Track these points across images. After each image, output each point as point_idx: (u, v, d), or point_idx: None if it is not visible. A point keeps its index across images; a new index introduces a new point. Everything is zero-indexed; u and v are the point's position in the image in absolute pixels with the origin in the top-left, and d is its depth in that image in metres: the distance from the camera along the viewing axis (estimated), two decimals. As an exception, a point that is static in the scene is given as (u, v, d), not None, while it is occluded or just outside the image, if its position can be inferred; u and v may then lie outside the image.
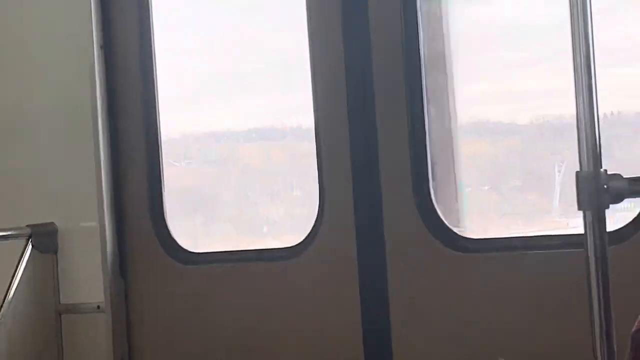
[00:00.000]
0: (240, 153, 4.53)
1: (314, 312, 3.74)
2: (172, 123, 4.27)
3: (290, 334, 3.80)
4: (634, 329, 2.11)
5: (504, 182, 3.87)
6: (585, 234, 2.18)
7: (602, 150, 2.19)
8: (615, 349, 2.14)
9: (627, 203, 2.37)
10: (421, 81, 3.54)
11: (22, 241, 4.21)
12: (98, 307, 4.14)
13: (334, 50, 3.67)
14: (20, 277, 4.17)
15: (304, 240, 3.77)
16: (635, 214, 3.15)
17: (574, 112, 2.20)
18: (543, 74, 3.58)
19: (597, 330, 2.16)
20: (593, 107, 2.19)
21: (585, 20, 2.20)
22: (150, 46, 4.13)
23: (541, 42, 3.54)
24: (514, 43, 3.65)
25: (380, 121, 3.59)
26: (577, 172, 2.20)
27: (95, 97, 4.12)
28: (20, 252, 4.20)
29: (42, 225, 4.25)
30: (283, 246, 3.87)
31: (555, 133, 3.64)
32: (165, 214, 4.11)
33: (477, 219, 3.85)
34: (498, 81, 3.74)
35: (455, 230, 3.50)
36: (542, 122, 3.72)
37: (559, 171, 3.63)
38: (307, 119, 3.79)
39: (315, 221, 3.73)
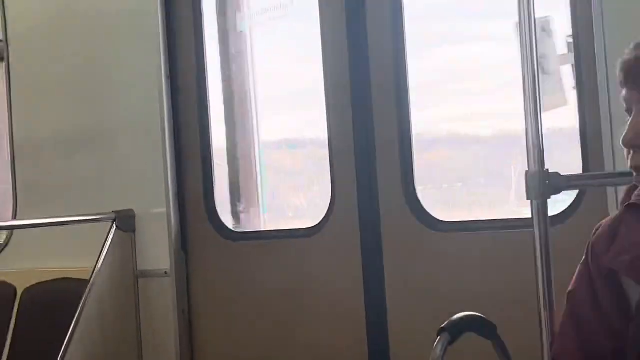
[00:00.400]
0: (273, 158, 4.51)
1: (326, 278, 3.70)
2: (221, 134, 4.24)
3: (306, 294, 3.77)
4: (569, 288, 2.08)
5: (473, 180, 3.84)
6: (532, 218, 2.16)
7: (544, 154, 2.17)
8: (556, 306, 2.12)
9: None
10: (408, 99, 3.49)
11: (109, 223, 4.17)
12: (165, 272, 4.11)
13: (343, 79, 3.63)
14: (107, 250, 4.13)
15: (319, 223, 3.73)
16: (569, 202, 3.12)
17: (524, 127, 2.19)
18: (501, 99, 3.55)
19: (541, 289, 2.14)
20: (538, 122, 2.17)
21: (532, 55, 2.17)
22: (205, 75, 4.11)
23: (498, 74, 3.51)
24: (477, 75, 3.61)
25: (377, 134, 3.55)
26: (525, 171, 2.18)
27: (164, 114, 4.11)
28: (107, 231, 4.16)
29: (123, 211, 4.21)
30: (304, 227, 3.84)
31: (511, 143, 3.61)
32: (215, 202, 4.09)
33: (453, 207, 3.80)
34: (467, 104, 3.71)
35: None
36: (501, 135, 3.69)
37: (515, 171, 3.60)
38: (322, 132, 3.75)
39: (328, 209, 3.69)
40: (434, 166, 3.84)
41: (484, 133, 3.77)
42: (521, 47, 2.17)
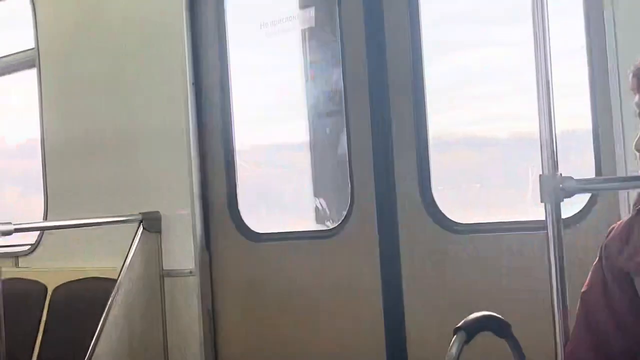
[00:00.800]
0: (294, 159, 4.49)
1: (345, 277, 3.69)
2: (243, 138, 4.24)
3: (326, 294, 3.76)
4: (583, 289, 2.06)
5: (491, 182, 3.79)
6: (546, 220, 2.14)
7: (558, 158, 2.14)
8: (569, 306, 2.09)
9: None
10: (425, 102, 3.47)
11: (136, 224, 4.19)
12: (190, 272, 4.12)
13: (361, 83, 3.61)
14: (134, 250, 4.15)
15: (338, 224, 3.72)
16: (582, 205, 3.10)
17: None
18: (518, 102, 3.51)
19: (555, 290, 2.11)
20: (552, 126, 2.15)
21: (546, 58, 2.15)
22: (228, 81, 4.12)
23: (514, 77, 3.48)
24: (494, 78, 3.58)
25: (394, 137, 3.54)
26: (540, 175, 2.16)
27: (188, 119, 4.12)
28: (134, 232, 4.17)
29: (150, 212, 4.22)
30: (324, 229, 3.83)
31: (527, 145, 3.57)
32: (238, 204, 4.09)
33: (471, 209, 3.76)
34: (484, 107, 3.68)
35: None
36: (518, 137, 3.65)
37: (531, 173, 3.57)
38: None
39: (347, 210, 3.68)
40: (452, 168, 3.80)
41: (501, 135, 3.74)
42: (535, 51, 2.15)
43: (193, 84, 4.13)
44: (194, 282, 4.09)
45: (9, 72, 5.15)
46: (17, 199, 5.61)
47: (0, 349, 3.56)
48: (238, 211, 4.08)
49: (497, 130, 3.72)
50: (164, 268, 4.22)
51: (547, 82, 2.14)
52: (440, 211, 3.41)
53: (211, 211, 4.13)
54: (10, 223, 3.59)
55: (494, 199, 3.77)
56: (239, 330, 4.08)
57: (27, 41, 4.96)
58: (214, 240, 4.12)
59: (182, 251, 4.15)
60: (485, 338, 2.18)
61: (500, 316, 2.22)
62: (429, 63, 3.48)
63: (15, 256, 4.94)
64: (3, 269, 3.62)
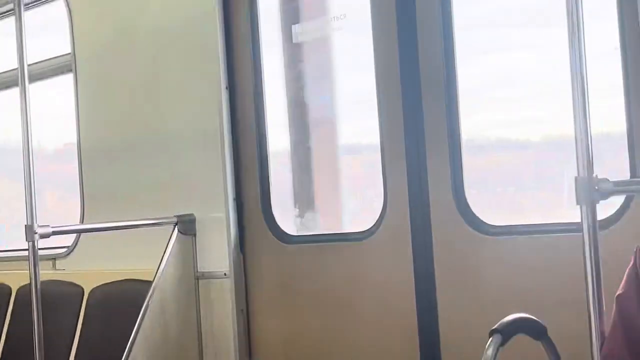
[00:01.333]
0: (330, 162, 4.48)
1: (378, 280, 3.69)
2: (276, 140, 4.26)
3: (359, 296, 3.76)
4: (618, 291, 2.05)
5: (525, 184, 3.77)
6: (581, 222, 2.14)
7: (594, 160, 2.14)
8: (605, 309, 2.09)
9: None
10: (457, 105, 3.46)
11: (170, 227, 4.22)
12: (224, 274, 4.14)
13: (394, 85, 3.62)
14: (169, 252, 4.18)
15: (371, 226, 3.72)
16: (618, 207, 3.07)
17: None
18: (552, 104, 3.49)
19: (590, 292, 2.11)
20: (587, 128, 2.14)
21: (581, 60, 2.14)
22: (262, 85, 4.14)
23: (548, 80, 3.46)
24: (527, 81, 3.56)
25: (427, 139, 3.53)
26: (575, 177, 2.16)
27: (222, 123, 4.15)
28: (169, 235, 4.20)
29: (184, 215, 4.25)
30: (358, 230, 3.83)
31: (562, 147, 3.55)
32: (272, 207, 4.11)
33: (504, 211, 3.74)
34: (517, 110, 3.66)
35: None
36: (553, 140, 3.63)
37: (567, 175, 3.55)
38: (376, 139, 3.73)
39: (381, 212, 3.68)
40: (485, 171, 3.79)
41: (535, 138, 3.71)
42: (570, 53, 2.15)
43: (227, 87, 4.16)
44: (228, 283, 4.12)
45: (47, 77, 5.21)
46: (56, 203, 5.66)
47: (39, 350, 3.60)
48: (271, 213, 4.10)
49: (531, 133, 3.71)
50: (199, 270, 4.25)
51: (582, 84, 2.14)
52: (473, 213, 3.40)
53: (245, 213, 4.15)
54: (48, 226, 3.64)
55: (529, 201, 3.75)
56: (272, 331, 4.10)
57: (63, 47, 5.02)
58: (248, 242, 4.15)
59: (216, 253, 4.18)
60: (520, 340, 2.18)
61: (535, 318, 2.22)
62: (462, 65, 3.47)
63: (53, 258, 5.00)
64: (41, 271, 3.65)
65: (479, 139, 3.76)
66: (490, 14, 3.64)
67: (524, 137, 3.74)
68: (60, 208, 5.02)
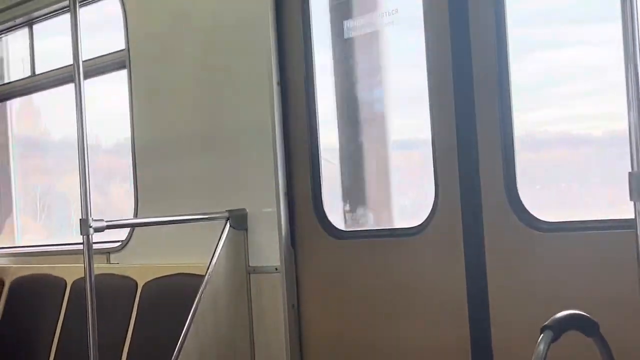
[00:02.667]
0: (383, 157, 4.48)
1: (429, 275, 3.69)
2: (328, 136, 4.27)
3: (409, 291, 3.76)
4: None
5: (582, 179, 3.72)
6: (635, 218, 2.12)
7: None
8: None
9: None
10: (510, 101, 3.44)
11: (222, 221, 4.27)
12: (276, 268, 4.17)
13: (446, 81, 3.61)
14: (221, 247, 4.23)
15: (423, 222, 3.72)
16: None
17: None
18: (608, 100, 3.44)
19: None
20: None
21: (635, 56, 2.13)
22: (313, 81, 4.16)
23: (602, 76, 3.42)
24: (581, 77, 3.52)
25: (479, 134, 3.51)
26: (629, 172, 2.14)
27: (274, 119, 4.18)
28: (221, 229, 4.25)
29: (236, 210, 4.30)
30: (408, 226, 3.83)
31: (619, 143, 3.49)
32: (323, 202, 4.13)
33: (564, 206, 3.69)
34: (573, 106, 3.62)
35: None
36: (610, 136, 3.57)
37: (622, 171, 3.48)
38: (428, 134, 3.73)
39: (432, 208, 3.67)
40: (541, 166, 3.75)
41: (594, 133, 3.66)
42: (624, 48, 2.13)
43: (278, 83, 4.19)
44: (279, 278, 4.15)
45: (101, 74, 5.28)
46: (124, 196, 5.74)
47: (93, 343, 3.65)
48: (322, 208, 4.12)
49: (588, 129, 3.67)
50: (250, 264, 4.28)
51: (637, 79, 2.13)
52: (525, 209, 3.38)
53: (296, 208, 4.17)
54: (102, 220, 3.70)
55: (586, 197, 3.70)
56: (323, 326, 4.12)
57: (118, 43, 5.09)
58: (299, 237, 4.17)
59: (267, 248, 4.21)
60: (572, 336, 2.17)
61: (588, 315, 2.20)
62: (516, 61, 3.44)
63: (107, 252, 5.09)
64: (95, 265, 3.71)
65: (535, 134, 3.73)
66: (551, 9, 3.61)
67: (585, 132, 3.70)
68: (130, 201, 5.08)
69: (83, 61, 3.73)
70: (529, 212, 3.38)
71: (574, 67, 3.54)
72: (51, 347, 5.23)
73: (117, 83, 5.21)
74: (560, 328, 2.12)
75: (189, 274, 4.43)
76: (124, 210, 5.41)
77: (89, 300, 3.64)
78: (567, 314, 2.18)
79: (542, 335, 2.11)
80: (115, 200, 5.76)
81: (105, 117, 5.08)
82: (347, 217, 4.32)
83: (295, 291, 4.17)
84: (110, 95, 5.54)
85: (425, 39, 3.70)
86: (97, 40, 5.46)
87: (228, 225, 4.25)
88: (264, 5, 4.20)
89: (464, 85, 3.54)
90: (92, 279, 3.65)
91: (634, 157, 2.11)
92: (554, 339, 2.10)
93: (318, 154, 4.15)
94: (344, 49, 4.30)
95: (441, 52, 3.63)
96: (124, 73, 5.00)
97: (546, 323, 2.13)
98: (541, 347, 2.09)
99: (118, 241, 5.08)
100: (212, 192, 4.45)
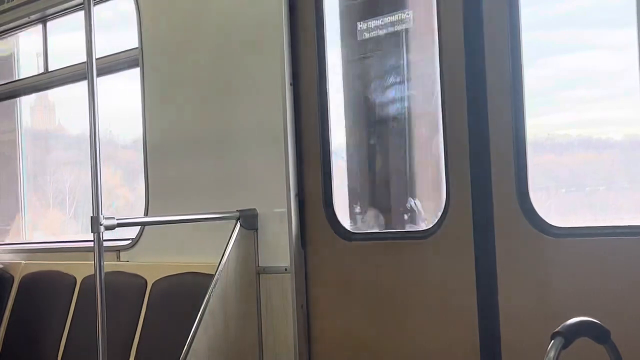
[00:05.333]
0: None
1: (439, 279, 3.69)
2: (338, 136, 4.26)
3: (419, 294, 3.76)
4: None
5: (610, 183, 3.69)
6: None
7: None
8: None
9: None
10: (523, 112, 3.43)
11: (233, 221, 4.27)
12: (285, 269, 4.18)
13: (459, 84, 3.60)
14: (232, 246, 4.23)
15: (434, 225, 3.72)
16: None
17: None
18: (625, 105, 3.43)
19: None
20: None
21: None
22: (326, 83, 4.16)
23: (618, 81, 3.40)
24: (597, 82, 3.51)
25: (491, 138, 3.51)
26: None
27: (286, 119, 4.18)
28: (232, 229, 4.25)
29: (247, 210, 4.30)
30: (419, 229, 3.83)
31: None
32: (333, 203, 4.13)
33: (583, 211, 3.66)
34: (588, 110, 3.61)
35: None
36: (629, 140, 3.56)
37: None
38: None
39: (443, 211, 3.67)
40: (553, 171, 3.74)
41: (614, 138, 3.64)
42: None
43: (291, 84, 4.19)
44: (288, 279, 4.15)
45: (115, 71, 5.30)
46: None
47: (102, 339, 3.66)
48: (333, 210, 4.12)
49: (602, 134, 3.65)
50: (260, 264, 4.29)
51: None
52: (537, 214, 3.38)
53: (307, 209, 4.17)
54: (113, 218, 3.70)
55: (602, 203, 3.68)
56: (332, 327, 4.12)
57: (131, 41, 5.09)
58: (309, 238, 4.17)
59: (277, 248, 4.22)
60: (583, 343, 2.16)
61: (599, 322, 2.19)
62: (530, 65, 3.43)
63: (117, 250, 5.09)
64: (105, 262, 3.72)
65: (547, 139, 3.72)
66: (572, 14, 3.59)
67: (596, 137, 3.68)
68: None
69: (96, 59, 3.73)
70: (540, 217, 3.37)
71: (591, 72, 3.52)
72: (60, 343, 5.24)
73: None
74: (571, 335, 2.11)
75: (198, 272, 4.44)
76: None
77: (98, 298, 3.65)
78: (579, 321, 2.17)
79: (552, 341, 2.10)
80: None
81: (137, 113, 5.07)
82: (356, 219, 4.31)
83: (305, 292, 4.17)
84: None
85: (439, 42, 3.69)
86: (113, 37, 5.46)
87: (238, 225, 4.25)
88: (277, 6, 4.20)
89: (477, 90, 3.54)
90: (102, 276, 3.66)
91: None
92: (564, 346, 2.09)
93: (329, 155, 4.15)
94: (357, 50, 4.29)
95: (455, 56, 3.62)
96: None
97: (557, 329, 2.12)
98: (551, 353, 2.08)
99: (128, 239, 5.09)
100: (223, 192, 4.46)
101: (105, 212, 3.68)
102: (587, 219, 3.48)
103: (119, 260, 5.10)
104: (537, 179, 3.53)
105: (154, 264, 4.80)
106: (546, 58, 3.65)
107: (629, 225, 3.12)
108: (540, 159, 3.65)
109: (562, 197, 3.66)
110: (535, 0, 3.57)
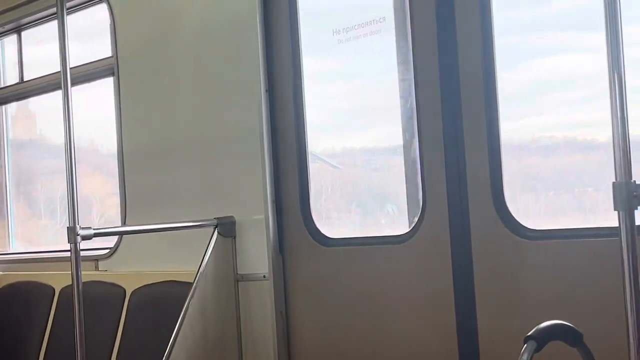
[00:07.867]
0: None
1: (417, 283, 3.70)
2: (316, 144, 4.28)
3: (397, 298, 3.77)
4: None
5: (598, 184, 3.70)
6: (619, 227, 2.13)
7: (632, 165, 2.13)
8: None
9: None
10: (497, 116, 3.45)
11: (211, 229, 4.27)
12: (264, 276, 4.17)
13: (433, 89, 3.62)
14: (210, 254, 4.22)
15: (410, 229, 3.73)
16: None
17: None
18: (593, 109, 3.44)
19: (628, 297, 2.11)
20: (625, 133, 2.14)
21: (619, 65, 2.14)
22: (301, 89, 4.16)
23: (589, 84, 3.42)
24: (570, 85, 3.53)
25: (466, 142, 3.53)
26: (612, 182, 2.15)
27: (262, 126, 4.18)
28: (210, 237, 4.25)
29: (225, 217, 4.29)
30: (395, 234, 3.84)
31: (604, 151, 3.48)
32: (310, 209, 4.13)
33: (572, 213, 3.67)
34: (561, 113, 3.62)
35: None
36: (595, 144, 3.57)
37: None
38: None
39: (419, 215, 3.68)
40: (527, 174, 3.75)
41: (599, 140, 3.65)
42: (607, 56, 2.15)
43: (267, 90, 4.19)
44: (267, 285, 4.15)
45: (89, 80, 5.28)
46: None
47: (81, 350, 3.65)
48: (311, 216, 4.12)
49: (575, 137, 3.67)
50: (238, 272, 4.28)
51: (620, 88, 2.14)
52: (512, 217, 3.40)
53: (284, 216, 4.18)
54: (90, 228, 3.70)
55: (572, 205, 3.70)
56: (311, 333, 4.12)
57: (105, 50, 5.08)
58: (287, 244, 4.18)
59: (256, 255, 4.21)
60: (556, 346, 2.17)
61: (571, 325, 2.21)
62: (504, 69, 3.45)
63: (95, 259, 5.08)
64: (83, 272, 3.70)
65: (521, 142, 3.73)
66: (550, 17, 3.61)
67: (568, 140, 3.70)
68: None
69: (71, 68, 3.73)
70: (516, 220, 3.39)
71: (570, 75, 3.54)
72: (39, 355, 5.21)
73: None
74: (543, 338, 2.13)
75: (177, 281, 4.43)
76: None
77: (76, 308, 3.64)
78: (551, 324, 2.19)
79: (525, 345, 2.12)
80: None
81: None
82: (335, 224, 4.32)
83: (284, 298, 4.17)
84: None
85: (413, 47, 3.71)
86: (89, 47, 5.45)
87: (216, 232, 4.25)
88: (251, 13, 4.20)
89: (451, 94, 3.55)
90: (80, 286, 3.64)
91: (618, 166, 2.12)
92: (537, 349, 2.10)
93: (306, 161, 4.15)
94: (332, 55, 4.30)
95: (428, 61, 3.63)
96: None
97: (529, 333, 2.14)
98: (524, 357, 2.09)
99: (106, 248, 5.07)
100: (201, 200, 4.45)
101: (82, 221, 3.68)
102: (577, 221, 3.48)
103: (98, 270, 5.08)
104: (525, 182, 3.55)
105: (133, 273, 4.79)
106: (527, 62, 3.66)
107: (602, 227, 3.14)
108: (527, 162, 3.67)
109: (550, 199, 3.68)
110: (511, 4, 3.59)
